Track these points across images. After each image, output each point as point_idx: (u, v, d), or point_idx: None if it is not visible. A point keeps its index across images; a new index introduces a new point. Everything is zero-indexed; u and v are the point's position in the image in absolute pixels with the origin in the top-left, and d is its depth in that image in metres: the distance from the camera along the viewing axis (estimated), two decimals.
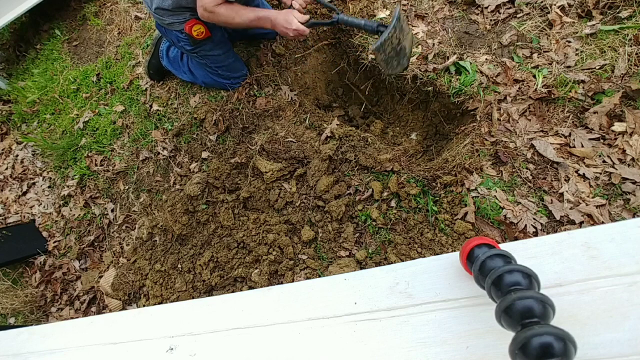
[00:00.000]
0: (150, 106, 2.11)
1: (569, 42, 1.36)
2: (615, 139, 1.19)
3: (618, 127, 1.19)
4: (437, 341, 0.48)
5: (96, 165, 2.18)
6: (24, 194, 2.41)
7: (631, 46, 1.25)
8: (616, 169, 1.16)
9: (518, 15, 1.49)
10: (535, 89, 1.34)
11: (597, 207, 1.15)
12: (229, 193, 1.72)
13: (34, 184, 2.42)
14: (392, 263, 1.23)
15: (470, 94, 1.46)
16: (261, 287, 1.12)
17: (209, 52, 1.69)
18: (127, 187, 2.06)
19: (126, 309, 1.78)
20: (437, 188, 1.38)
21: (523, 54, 1.42)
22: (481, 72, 1.46)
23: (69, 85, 2.50)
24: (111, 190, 2.11)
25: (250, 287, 1.52)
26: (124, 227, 2.00)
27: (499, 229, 1.25)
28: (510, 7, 1.52)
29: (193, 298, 1.44)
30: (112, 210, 2.06)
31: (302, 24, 1.40)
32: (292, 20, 1.38)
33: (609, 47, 1.28)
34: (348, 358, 0.51)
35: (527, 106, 1.34)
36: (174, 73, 2.01)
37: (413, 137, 1.80)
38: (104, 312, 1.88)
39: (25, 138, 2.50)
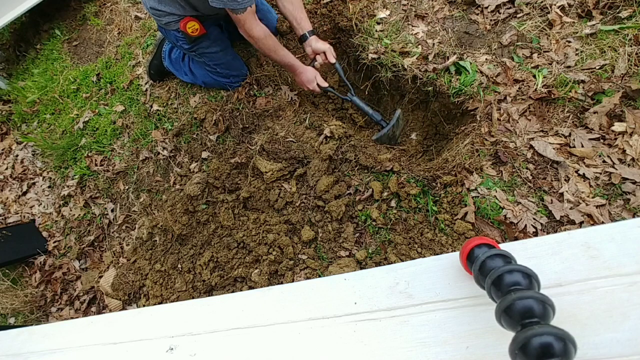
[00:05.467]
0: (150, 106, 2.11)
1: (569, 42, 1.36)
2: (615, 139, 1.19)
3: (618, 127, 1.19)
4: (437, 341, 0.48)
5: (96, 165, 2.18)
6: (24, 194, 2.41)
7: (631, 46, 1.25)
8: (616, 169, 1.16)
9: (518, 15, 1.49)
10: (535, 89, 1.34)
11: (597, 207, 1.15)
12: (229, 193, 1.72)
13: (34, 184, 2.42)
14: (392, 263, 1.23)
15: (470, 94, 1.46)
16: (261, 287, 1.12)
17: (207, 49, 1.70)
18: (127, 187, 2.06)
19: (126, 309, 1.78)
20: (437, 188, 1.38)
21: (523, 54, 1.42)
22: (481, 72, 1.46)
23: (69, 85, 2.50)
24: (111, 190, 2.11)
25: (250, 287, 1.52)
26: (124, 227, 2.00)
27: (499, 229, 1.25)
28: (510, 7, 1.52)
29: (193, 298, 1.44)
30: (112, 210, 2.06)
31: (320, 87, 1.63)
32: (313, 81, 1.62)
33: (609, 47, 1.28)
34: (348, 358, 0.51)
35: (527, 106, 1.34)
36: (175, 74, 2.02)
37: (413, 137, 1.80)
38: (104, 312, 1.89)
39: (25, 138, 2.50)
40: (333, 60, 1.62)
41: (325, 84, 1.64)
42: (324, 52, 1.61)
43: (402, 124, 1.69)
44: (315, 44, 1.61)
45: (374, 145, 1.65)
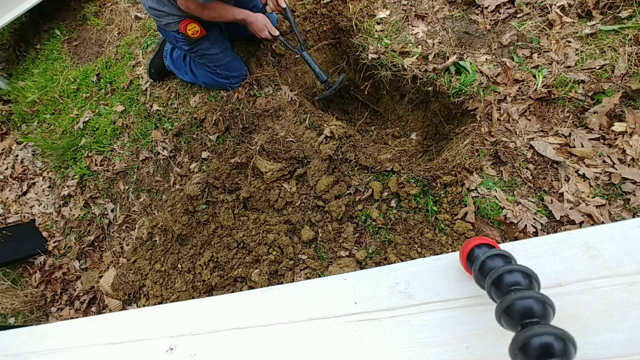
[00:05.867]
0: (150, 106, 2.11)
1: (569, 42, 1.36)
2: (615, 139, 1.19)
3: (618, 127, 1.19)
4: (437, 341, 0.48)
5: (96, 165, 2.18)
6: (24, 194, 2.41)
7: (631, 46, 1.25)
8: (616, 169, 1.16)
9: (518, 15, 1.49)
10: (535, 89, 1.34)
11: (597, 207, 1.15)
12: (229, 193, 1.72)
13: (34, 184, 2.42)
14: (392, 263, 1.23)
15: (470, 94, 1.46)
16: (261, 287, 1.12)
17: (207, 51, 1.70)
18: (127, 187, 2.06)
19: (126, 309, 1.78)
20: (437, 188, 1.38)
21: (523, 54, 1.42)
22: (481, 72, 1.46)
23: (69, 85, 2.50)
24: (111, 190, 2.11)
25: (250, 287, 1.52)
26: (124, 227, 2.00)
27: (499, 229, 1.25)
28: (510, 7, 1.52)
29: (193, 298, 1.44)
30: (112, 210, 2.06)
31: (272, 35, 1.64)
32: (264, 29, 1.63)
33: (609, 47, 1.28)
34: (348, 358, 0.51)
35: (527, 106, 1.34)
36: (175, 73, 2.02)
37: (413, 137, 1.80)
38: (104, 312, 1.89)
39: (25, 138, 2.50)
40: (284, 5, 1.62)
41: (276, 32, 1.64)
42: None
43: (344, 82, 1.78)
44: None
45: (374, 145, 1.65)
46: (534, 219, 1.20)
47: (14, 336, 0.80)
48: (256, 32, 1.65)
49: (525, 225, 1.20)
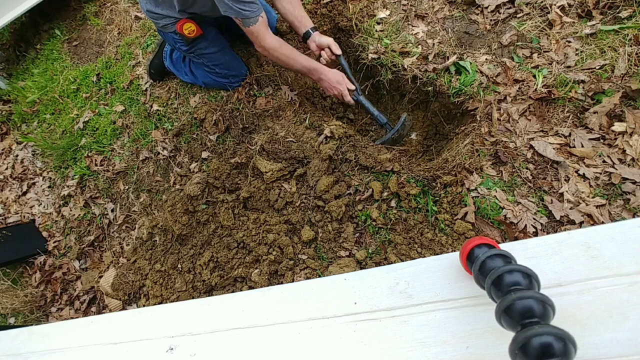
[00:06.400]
0: (150, 106, 2.11)
1: (569, 42, 1.36)
2: (615, 139, 1.19)
3: (618, 127, 1.19)
4: (437, 341, 0.48)
5: (96, 165, 2.18)
6: (24, 194, 2.41)
7: (631, 46, 1.25)
8: (616, 169, 1.16)
9: (518, 15, 1.49)
10: (535, 89, 1.34)
11: (597, 207, 1.15)
12: (229, 193, 1.72)
13: (34, 184, 2.42)
14: (392, 263, 1.23)
15: (470, 94, 1.46)
16: (261, 287, 1.12)
17: (205, 50, 1.70)
18: (127, 187, 2.06)
19: (126, 309, 1.78)
20: (437, 188, 1.38)
21: (523, 54, 1.42)
22: (481, 72, 1.46)
23: (69, 85, 2.50)
24: (111, 190, 2.11)
25: (250, 287, 1.52)
26: (124, 227, 2.00)
27: (499, 229, 1.25)
28: (510, 7, 1.52)
29: (193, 298, 1.44)
30: (112, 210, 2.06)
31: (349, 90, 1.52)
32: (342, 82, 1.50)
33: (609, 47, 1.28)
34: (348, 358, 0.51)
35: (527, 106, 1.34)
36: (175, 74, 2.02)
37: (413, 137, 1.80)
38: (104, 312, 1.89)
39: (25, 138, 2.50)
40: (339, 52, 1.55)
41: (352, 87, 1.52)
42: (329, 46, 1.55)
43: (408, 126, 1.62)
44: (319, 38, 1.56)
45: (373, 145, 1.64)
46: (534, 219, 1.20)
47: (14, 336, 0.80)
48: (332, 86, 1.50)
49: (525, 225, 1.20)
